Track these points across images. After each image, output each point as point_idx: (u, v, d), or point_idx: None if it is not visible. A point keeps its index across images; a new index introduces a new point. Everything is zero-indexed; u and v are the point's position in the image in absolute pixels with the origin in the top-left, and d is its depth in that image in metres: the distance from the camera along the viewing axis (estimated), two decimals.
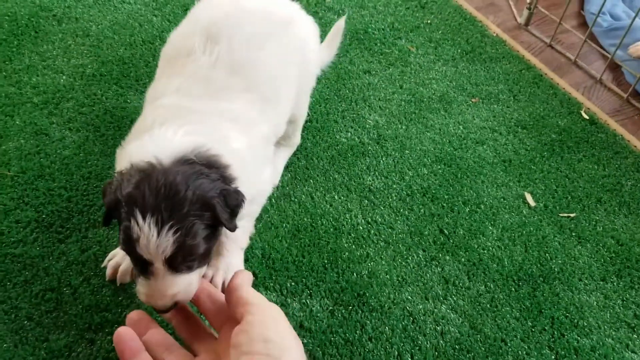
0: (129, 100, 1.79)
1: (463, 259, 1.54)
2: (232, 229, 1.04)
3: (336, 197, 1.65)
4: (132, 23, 2.05)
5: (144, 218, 0.93)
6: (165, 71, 1.35)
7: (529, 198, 1.72)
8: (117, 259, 1.37)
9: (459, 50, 2.18)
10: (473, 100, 2.00)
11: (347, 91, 1.96)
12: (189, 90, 1.24)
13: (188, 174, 0.99)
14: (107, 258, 1.40)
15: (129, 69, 1.88)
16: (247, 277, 0.91)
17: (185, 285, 1.00)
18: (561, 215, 1.70)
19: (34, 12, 2.03)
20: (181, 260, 0.98)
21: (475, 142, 1.86)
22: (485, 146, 1.85)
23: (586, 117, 2.01)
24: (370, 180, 1.70)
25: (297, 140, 1.71)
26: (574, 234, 1.66)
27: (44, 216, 1.49)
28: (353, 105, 1.92)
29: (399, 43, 2.17)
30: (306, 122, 1.82)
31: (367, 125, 1.86)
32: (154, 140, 1.07)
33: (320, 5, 2.27)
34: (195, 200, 0.97)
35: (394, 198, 1.66)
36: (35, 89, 1.78)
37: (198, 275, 1.05)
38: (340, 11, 2.26)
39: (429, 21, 2.29)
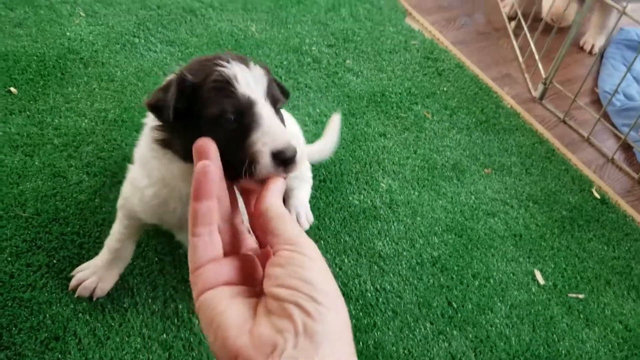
0: None
1: (470, 335, 1.54)
2: (287, 93, 1.06)
3: (346, 260, 1.65)
4: (157, 71, 2.09)
5: (228, 62, 0.89)
6: None
7: (538, 275, 1.72)
8: (85, 273, 1.44)
9: (474, 120, 2.22)
10: (486, 170, 2.02)
11: (362, 153, 1.98)
12: None
13: None
14: (76, 270, 1.47)
15: None
16: (280, 189, 0.77)
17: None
18: (570, 295, 1.69)
19: (62, 54, 2.08)
20: (275, 98, 0.92)
21: (486, 213, 1.87)
22: (496, 218, 1.86)
23: (597, 196, 2.02)
24: (380, 246, 1.70)
25: (308, 176, 1.77)
26: (582, 315, 1.65)
27: (55, 261, 1.49)
28: (367, 167, 1.94)
29: (415, 108, 2.20)
30: (320, 181, 1.84)
31: (380, 189, 1.87)
32: None
33: (340, 66, 2.32)
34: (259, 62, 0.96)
35: (404, 266, 1.67)
36: (56, 131, 1.81)
37: None
38: (359, 72, 2.31)
39: (445, 89, 2.33)
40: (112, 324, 1.39)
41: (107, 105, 1.93)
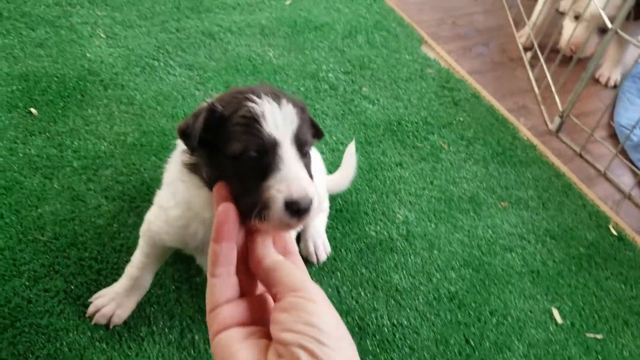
0: None
1: None
2: (321, 134, 1.04)
3: (362, 293, 1.64)
4: (176, 95, 2.10)
5: (260, 97, 0.87)
6: None
7: (556, 314, 1.71)
8: (103, 300, 1.43)
9: (490, 151, 2.21)
10: (503, 204, 2.01)
11: (379, 183, 1.98)
12: None
13: None
14: (94, 296, 1.46)
15: (169, 141, 1.91)
16: (268, 240, 0.78)
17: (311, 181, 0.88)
18: (588, 335, 1.68)
19: (83, 76, 2.09)
20: (302, 141, 0.89)
21: (503, 248, 1.86)
22: (513, 254, 1.85)
23: (614, 232, 2.01)
24: (397, 279, 1.69)
25: (326, 205, 1.76)
26: (600, 356, 1.64)
27: (72, 287, 1.48)
28: (384, 197, 1.93)
29: (431, 138, 2.20)
30: (337, 211, 1.84)
31: (397, 220, 1.87)
32: None
33: (357, 93, 2.32)
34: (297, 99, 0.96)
35: (421, 301, 1.65)
36: (76, 153, 1.81)
37: None
38: (375, 100, 2.31)
39: (461, 119, 2.33)
40: (129, 353, 1.39)
41: (126, 129, 1.93)
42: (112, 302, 1.43)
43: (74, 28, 2.33)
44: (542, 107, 2.53)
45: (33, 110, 1.92)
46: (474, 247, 1.84)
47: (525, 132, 2.36)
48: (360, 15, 2.80)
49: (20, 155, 1.77)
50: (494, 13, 3.15)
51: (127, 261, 1.55)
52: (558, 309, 1.73)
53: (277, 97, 0.89)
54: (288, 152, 0.85)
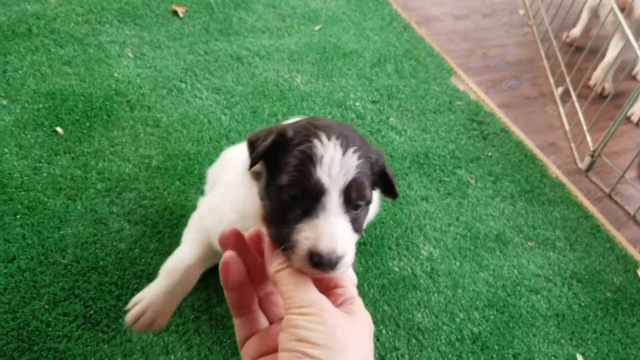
0: (190, 199, 1.80)
1: None
2: (395, 194, 0.98)
3: (384, 331, 1.61)
4: (202, 119, 2.09)
5: (329, 138, 0.84)
6: None
7: None
8: (142, 306, 1.28)
9: (518, 189, 2.17)
10: (529, 244, 1.97)
11: (404, 217, 1.95)
12: None
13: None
14: (132, 301, 1.30)
15: (194, 165, 1.90)
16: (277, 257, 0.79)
17: (350, 240, 0.84)
18: None
19: (109, 96, 2.09)
20: (355, 196, 0.85)
21: (529, 289, 1.82)
22: (539, 296, 1.81)
23: None
24: (420, 318, 1.66)
25: None
26: None
27: (91, 312, 1.47)
28: (408, 232, 1.90)
29: (458, 172, 2.17)
30: (360, 244, 1.81)
31: (421, 257, 1.83)
32: None
33: (384, 124, 2.30)
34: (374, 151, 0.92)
35: (443, 341, 1.61)
36: (100, 175, 1.80)
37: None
38: (402, 131, 2.29)
39: (489, 154, 2.30)
40: None
41: (151, 152, 1.93)
42: (149, 311, 1.27)
43: (102, 47, 2.34)
44: (572, 145, 2.48)
45: (59, 129, 1.92)
46: (499, 288, 1.80)
47: (554, 170, 2.32)
48: (390, 44, 2.78)
49: (45, 174, 1.77)
50: (526, 46, 3.12)
51: None
52: (583, 354, 1.68)
53: (346, 144, 0.85)
54: (332, 203, 0.82)
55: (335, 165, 0.82)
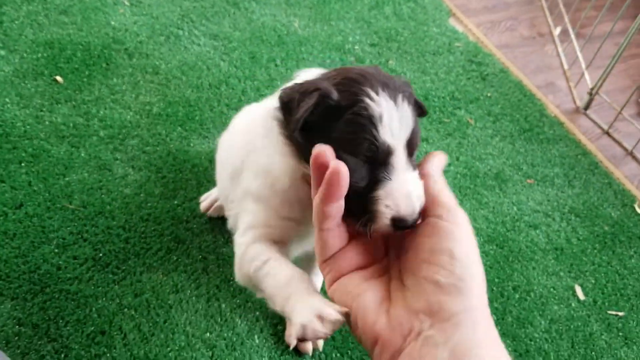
0: (192, 144, 1.81)
1: (510, 348, 1.53)
2: (426, 112, 0.91)
3: None
4: (200, 65, 2.09)
5: (377, 93, 0.77)
6: None
7: (578, 291, 1.71)
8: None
9: (517, 128, 2.19)
10: (528, 181, 2.00)
11: None
12: None
13: None
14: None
15: (194, 112, 1.91)
16: (440, 162, 0.76)
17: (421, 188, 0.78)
18: (610, 312, 1.68)
19: (107, 44, 2.08)
20: (414, 145, 0.80)
21: (528, 225, 1.85)
22: (538, 231, 1.84)
23: None
24: None
25: None
26: (620, 333, 1.64)
27: (100, 255, 1.50)
28: None
29: (458, 113, 2.18)
30: None
31: None
32: None
33: (383, 67, 2.30)
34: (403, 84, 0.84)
35: None
36: (102, 123, 1.81)
37: None
38: (402, 74, 2.29)
39: (489, 94, 2.30)
40: (157, 320, 1.41)
41: (152, 99, 1.93)
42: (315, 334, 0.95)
43: None
44: (571, 84, 2.48)
45: (58, 78, 1.92)
46: (499, 224, 1.83)
47: (553, 109, 2.33)
48: None
49: (47, 123, 1.78)
50: None
51: (154, 230, 1.58)
52: (581, 286, 1.73)
53: (393, 93, 0.78)
54: (400, 161, 0.78)
55: (395, 122, 0.77)
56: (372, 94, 0.77)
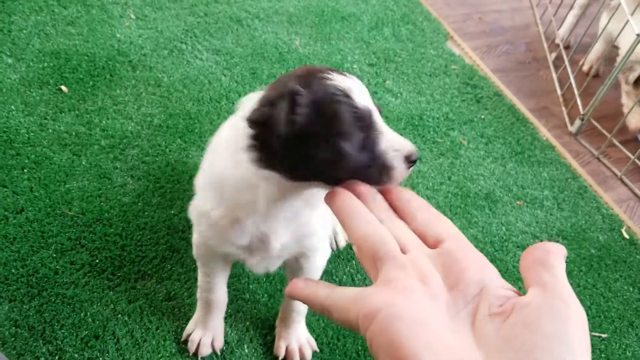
0: (190, 156, 1.86)
1: None
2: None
3: None
4: (202, 79, 2.14)
5: (330, 74, 0.84)
6: None
7: None
8: (198, 333, 1.42)
9: (509, 150, 2.24)
10: (518, 202, 2.04)
11: None
12: None
13: None
14: (186, 332, 1.44)
15: (195, 124, 1.96)
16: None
17: None
18: (593, 334, 1.71)
19: (112, 56, 2.14)
20: (380, 110, 0.88)
21: (516, 246, 1.89)
22: None
23: (627, 236, 2.03)
24: None
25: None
26: (603, 355, 1.67)
27: (97, 261, 1.54)
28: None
29: (451, 134, 2.23)
30: None
31: None
32: None
33: (380, 86, 2.35)
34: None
35: None
36: (104, 132, 1.86)
37: None
38: (398, 94, 2.34)
39: (482, 116, 2.35)
40: (150, 326, 1.44)
41: (153, 110, 1.98)
42: (202, 329, 1.43)
43: (105, 7, 2.37)
44: (563, 109, 2.54)
45: (63, 87, 1.98)
46: (487, 243, 1.88)
47: (545, 133, 2.38)
48: (388, 8, 2.82)
49: (50, 131, 1.83)
50: (521, 12, 3.15)
51: (150, 239, 1.62)
52: None
53: (341, 73, 0.85)
54: (378, 117, 0.84)
55: (361, 90, 0.84)
56: (329, 76, 0.82)
